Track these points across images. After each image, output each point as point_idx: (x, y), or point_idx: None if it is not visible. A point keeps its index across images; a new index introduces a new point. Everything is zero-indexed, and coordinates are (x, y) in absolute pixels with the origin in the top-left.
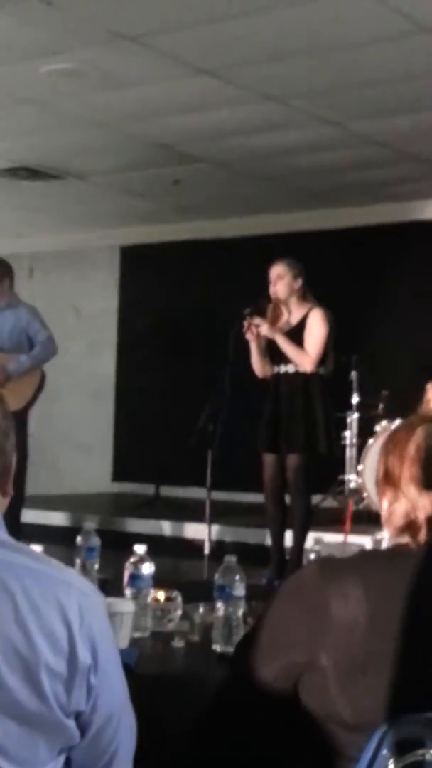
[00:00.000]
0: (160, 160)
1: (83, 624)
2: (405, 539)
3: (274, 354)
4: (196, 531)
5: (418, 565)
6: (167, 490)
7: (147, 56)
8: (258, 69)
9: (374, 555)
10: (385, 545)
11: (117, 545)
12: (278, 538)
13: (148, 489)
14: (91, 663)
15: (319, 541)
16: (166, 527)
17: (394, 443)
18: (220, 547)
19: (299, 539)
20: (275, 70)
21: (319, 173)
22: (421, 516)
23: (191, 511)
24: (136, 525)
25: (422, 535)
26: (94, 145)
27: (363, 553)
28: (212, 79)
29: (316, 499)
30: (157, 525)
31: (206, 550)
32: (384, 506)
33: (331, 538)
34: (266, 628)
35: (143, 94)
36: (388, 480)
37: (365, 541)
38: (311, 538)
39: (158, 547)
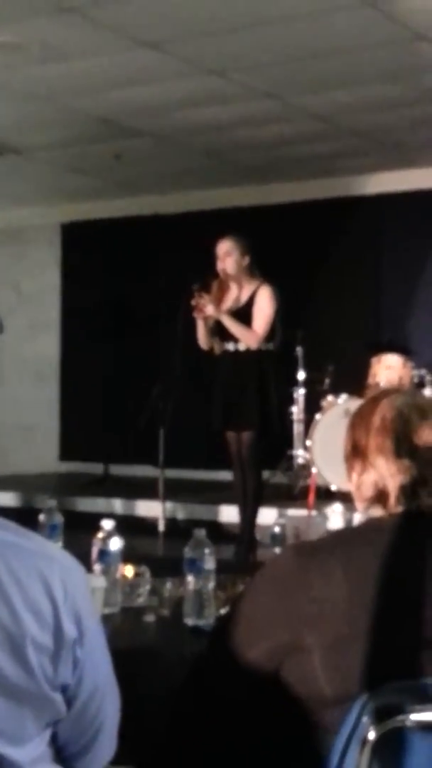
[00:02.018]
0: (101, 135)
1: (67, 598)
2: (376, 511)
3: (223, 332)
4: (148, 509)
5: (391, 535)
6: (116, 469)
7: (88, 28)
8: (199, 42)
9: (348, 534)
10: (356, 520)
11: (68, 525)
12: (245, 513)
13: (96, 468)
14: (77, 636)
15: (283, 515)
16: (117, 505)
17: (360, 417)
18: (174, 525)
19: (251, 515)
20: (216, 43)
21: (259, 148)
22: (390, 484)
23: (143, 490)
24: (86, 504)
25: (392, 504)
26: (33, 119)
27: (336, 534)
28: (153, 52)
29: (265, 474)
30: (107, 503)
31: (161, 528)
32: (353, 479)
33: (292, 512)
34: (245, 613)
35: (84, 66)
36: (356, 452)
37: (329, 515)
38: (274, 513)
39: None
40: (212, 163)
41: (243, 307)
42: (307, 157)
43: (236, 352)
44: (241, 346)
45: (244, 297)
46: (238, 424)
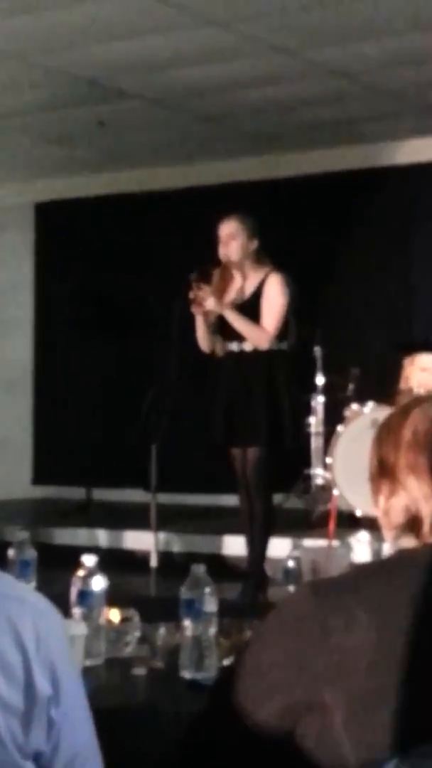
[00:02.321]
0: (81, 98)
1: (40, 648)
2: (408, 541)
3: (226, 330)
4: (139, 540)
5: (426, 570)
6: (100, 494)
7: None
8: None
9: (373, 569)
10: (385, 551)
11: (43, 560)
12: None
13: (76, 493)
14: (52, 693)
15: (298, 546)
16: (102, 537)
17: (387, 430)
18: (169, 559)
19: (260, 546)
20: None
21: (269, 112)
22: (424, 509)
23: (131, 518)
24: (64, 535)
25: (426, 532)
26: (1, 80)
27: (360, 570)
28: None
29: (277, 498)
30: (89, 535)
31: (153, 563)
32: (380, 503)
33: (309, 543)
34: (253, 665)
35: (61, 18)
36: (383, 472)
37: (353, 546)
38: (287, 544)
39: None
40: (213, 130)
41: (249, 300)
42: (326, 122)
43: (242, 353)
44: (248, 347)
45: (251, 287)
46: (244, 438)
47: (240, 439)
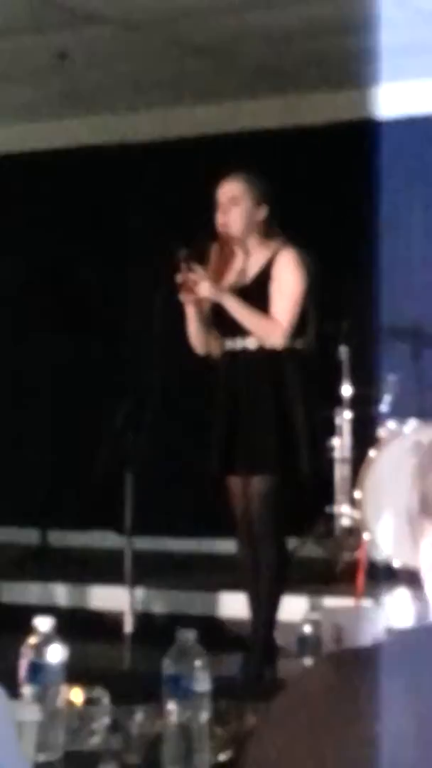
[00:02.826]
0: (37, 23)
1: None
2: None
3: (224, 323)
4: (109, 598)
5: None
6: (59, 538)
7: None
8: None
9: (414, 638)
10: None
11: None
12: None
13: (28, 537)
14: None
15: (317, 607)
16: (61, 593)
17: None
18: (148, 623)
19: (267, 607)
20: None
21: (278, 40)
22: None
23: (100, 569)
24: (12, 591)
25: None
26: None
27: (396, 638)
28: None
29: (291, 544)
30: (46, 590)
31: (128, 627)
32: (423, 550)
33: (332, 602)
34: (259, 762)
35: None
36: (428, 510)
37: (388, 606)
38: (304, 604)
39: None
40: (205, 64)
41: (254, 284)
42: (354, 54)
43: (245, 352)
44: (252, 344)
45: (256, 268)
46: (248, 464)
47: (242, 465)
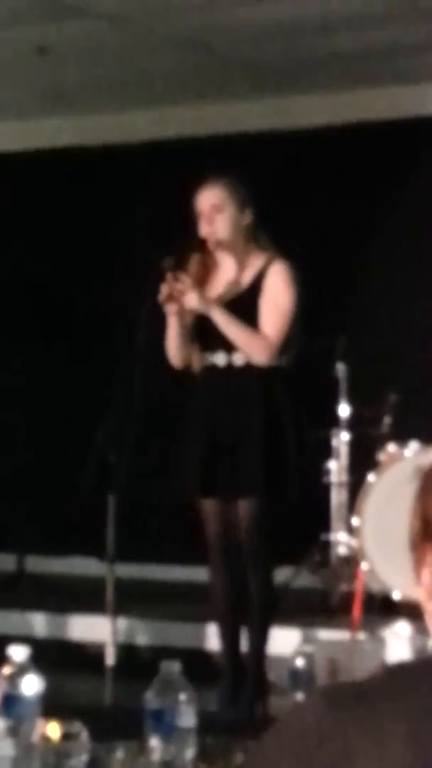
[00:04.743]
0: (18, 16)
1: None
2: None
3: (206, 337)
4: (90, 629)
5: None
6: (37, 564)
7: None
8: None
9: (412, 671)
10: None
11: None
12: (232, 637)
13: (4, 563)
14: None
15: (311, 638)
16: (39, 623)
17: None
18: (131, 655)
19: (258, 638)
20: None
21: (278, 38)
22: None
23: (80, 597)
24: None
25: None
26: None
27: (393, 671)
28: None
29: (284, 573)
30: (22, 620)
31: (109, 659)
32: (424, 580)
33: (326, 635)
34: None
35: None
36: (430, 535)
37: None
38: (296, 637)
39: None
40: (197, 61)
41: (243, 296)
42: (355, 54)
43: (230, 368)
44: (239, 360)
45: (246, 279)
46: (233, 485)
47: (227, 486)
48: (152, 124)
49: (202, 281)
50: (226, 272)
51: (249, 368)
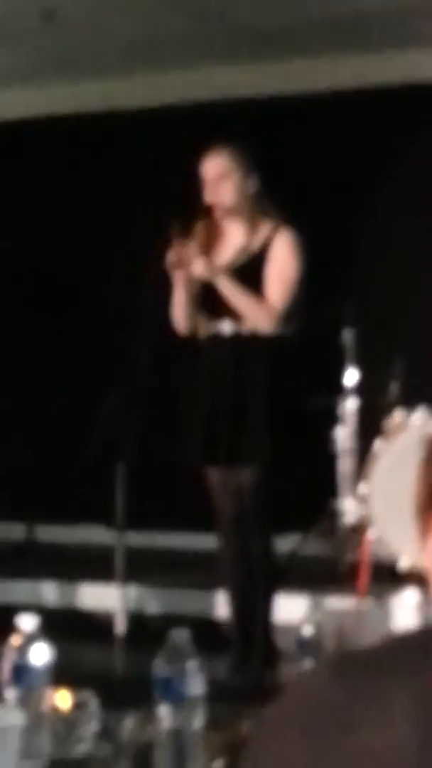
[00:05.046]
0: None
1: None
2: None
3: (212, 304)
4: (100, 597)
5: None
6: (47, 533)
7: None
8: None
9: (419, 641)
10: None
11: None
12: (242, 603)
13: (14, 531)
14: None
15: (318, 607)
16: (48, 592)
17: None
18: (140, 623)
19: (262, 605)
20: None
21: (278, 1)
22: None
23: (90, 566)
24: None
25: None
26: None
27: (400, 641)
28: None
29: (291, 541)
30: (32, 588)
31: (120, 628)
32: (430, 546)
33: (334, 603)
34: None
35: None
36: None
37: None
38: (304, 604)
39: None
40: (199, 26)
41: (249, 264)
42: (361, 16)
43: (236, 337)
44: (244, 328)
45: (251, 247)
46: (236, 454)
47: (230, 455)
48: (154, 90)
49: (207, 248)
50: (232, 240)
51: (254, 336)
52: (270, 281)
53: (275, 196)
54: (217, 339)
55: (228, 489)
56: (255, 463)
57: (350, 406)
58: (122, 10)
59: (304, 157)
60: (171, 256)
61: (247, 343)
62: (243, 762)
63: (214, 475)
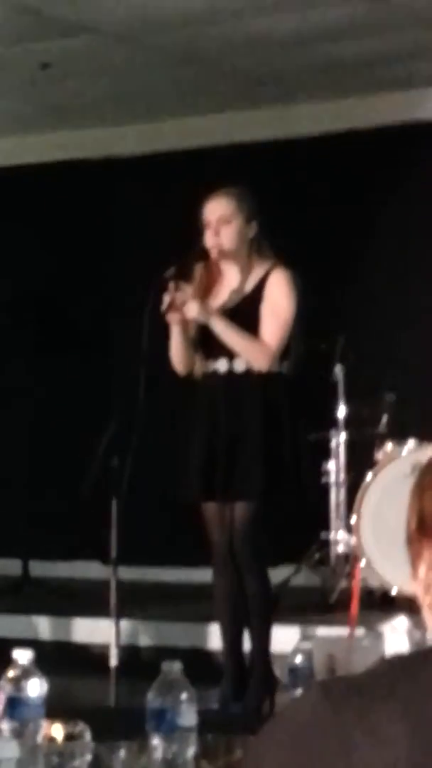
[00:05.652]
0: (20, 32)
1: None
2: None
3: (209, 344)
4: (93, 631)
5: None
6: (41, 568)
7: None
8: None
9: (409, 664)
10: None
11: None
12: (234, 637)
13: (9, 567)
14: None
15: (309, 635)
16: (44, 626)
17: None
18: (134, 656)
19: (261, 636)
20: None
21: (274, 48)
22: None
23: (84, 600)
24: None
25: None
26: None
27: (390, 664)
28: None
29: (284, 572)
30: (27, 623)
31: (113, 661)
32: (420, 575)
33: (326, 632)
34: None
35: None
36: (424, 531)
37: (386, 635)
38: (295, 634)
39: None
40: (196, 74)
41: (244, 304)
42: (350, 62)
43: (231, 375)
44: (240, 366)
45: (247, 287)
46: (231, 490)
47: (224, 491)
48: (151, 137)
49: (207, 290)
50: (229, 281)
51: (249, 374)
52: (265, 320)
53: (268, 235)
54: (213, 377)
55: (223, 523)
56: (251, 498)
57: (341, 439)
58: (116, 60)
59: (298, 198)
60: (165, 299)
61: (242, 381)
62: None
63: (210, 511)
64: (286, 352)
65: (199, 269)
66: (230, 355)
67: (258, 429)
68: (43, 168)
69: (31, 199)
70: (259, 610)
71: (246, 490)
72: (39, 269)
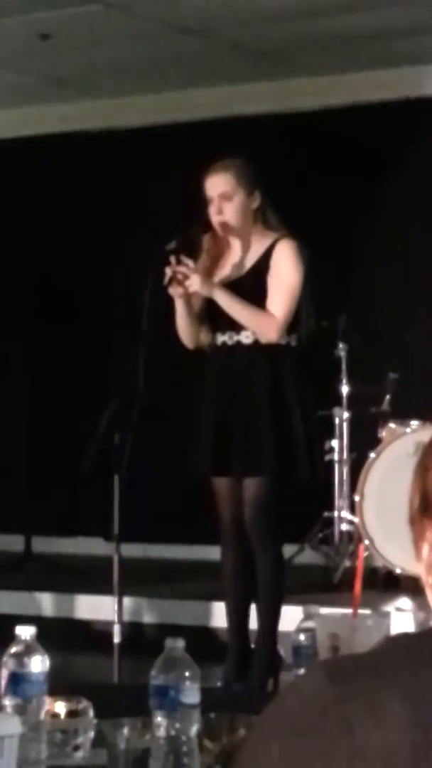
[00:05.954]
0: (19, 2)
1: None
2: None
3: (216, 317)
4: (96, 607)
5: None
6: (44, 544)
7: None
8: None
9: (411, 645)
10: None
11: None
12: (240, 615)
13: (12, 543)
14: None
15: (312, 614)
16: (46, 602)
17: None
18: (137, 633)
19: (269, 614)
20: None
21: (276, 21)
22: None
23: (87, 576)
24: None
25: None
26: None
27: (393, 645)
28: None
29: (288, 551)
30: (29, 599)
31: (116, 638)
32: (424, 554)
33: (329, 611)
34: None
35: None
36: (429, 511)
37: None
38: (297, 612)
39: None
40: (198, 46)
41: (250, 275)
42: (356, 35)
43: (238, 347)
44: (246, 338)
45: (253, 258)
46: (242, 465)
47: (236, 466)
48: (152, 109)
49: (215, 261)
50: (236, 253)
51: (257, 347)
52: (271, 291)
53: (279, 210)
54: (220, 350)
55: (234, 500)
56: (260, 474)
57: (344, 417)
58: (116, 30)
59: (299, 173)
60: (167, 273)
61: (250, 354)
62: (236, 765)
63: (221, 486)
64: (294, 324)
65: (207, 240)
66: (237, 328)
67: (267, 403)
68: (43, 140)
69: (30, 171)
70: (270, 589)
71: (256, 465)
72: (38, 243)
